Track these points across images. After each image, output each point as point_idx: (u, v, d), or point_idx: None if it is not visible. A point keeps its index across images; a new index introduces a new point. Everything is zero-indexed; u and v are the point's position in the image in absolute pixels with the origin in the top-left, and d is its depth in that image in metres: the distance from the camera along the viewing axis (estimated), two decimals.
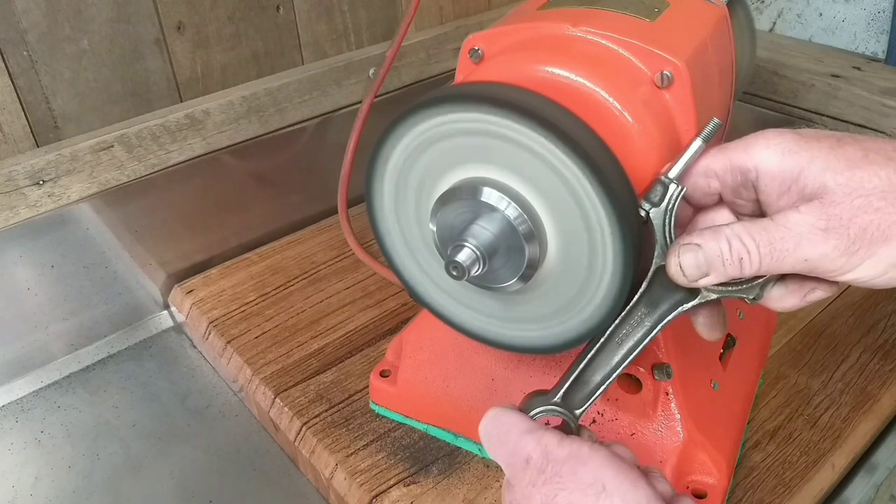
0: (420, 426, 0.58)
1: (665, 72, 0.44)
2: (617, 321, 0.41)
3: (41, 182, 0.65)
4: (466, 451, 0.57)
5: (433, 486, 0.54)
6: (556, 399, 0.41)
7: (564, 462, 0.37)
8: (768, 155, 0.37)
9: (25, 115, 0.65)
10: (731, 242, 0.36)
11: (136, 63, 0.69)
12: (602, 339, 0.41)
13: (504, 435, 0.39)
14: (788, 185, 0.36)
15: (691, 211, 0.42)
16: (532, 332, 0.45)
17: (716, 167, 0.39)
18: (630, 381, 0.50)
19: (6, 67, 0.63)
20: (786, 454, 0.55)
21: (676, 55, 0.44)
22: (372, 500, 0.54)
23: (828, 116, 0.73)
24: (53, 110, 0.66)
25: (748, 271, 0.36)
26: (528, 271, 0.41)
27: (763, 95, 0.77)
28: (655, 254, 0.40)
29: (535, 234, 0.40)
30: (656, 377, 0.48)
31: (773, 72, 0.76)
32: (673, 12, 0.49)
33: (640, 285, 0.40)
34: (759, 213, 0.39)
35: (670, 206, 0.39)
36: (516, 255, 0.40)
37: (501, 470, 0.54)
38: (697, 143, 0.39)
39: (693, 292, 0.40)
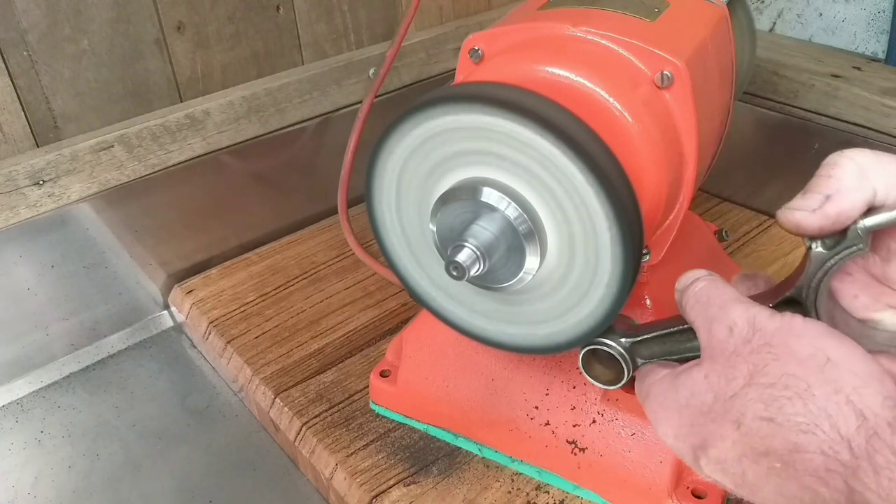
0: (420, 426, 0.58)
1: (665, 72, 0.44)
2: None
3: (41, 182, 0.65)
4: (466, 451, 0.57)
5: (433, 486, 0.54)
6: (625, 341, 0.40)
7: (775, 333, 0.32)
8: None
9: (25, 115, 0.65)
10: None
11: (136, 63, 0.69)
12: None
13: (711, 299, 0.35)
14: None
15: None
16: (532, 332, 0.45)
17: None
18: (630, 381, 0.50)
19: (6, 67, 0.63)
20: None
21: (676, 55, 0.44)
22: (372, 500, 0.54)
23: (828, 116, 0.73)
24: (53, 110, 0.66)
25: None
26: (528, 271, 0.41)
27: (763, 95, 0.77)
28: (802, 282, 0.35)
29: (535, 234, 0.40)
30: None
31: (773, 72, 0.76)
32: (673, 12, 0.49)
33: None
34: None
35: (833, 263, 0.34)
36: (516, 255, 0.40)
37: (501, 470, 0.55)
38: None
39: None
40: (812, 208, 0.34)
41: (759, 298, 0.36)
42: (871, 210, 0.34)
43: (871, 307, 0.36)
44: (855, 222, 0.34)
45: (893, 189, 0.33)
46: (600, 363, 0.43)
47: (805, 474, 0.30)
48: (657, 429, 0.37)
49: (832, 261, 0.34)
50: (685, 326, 0.38)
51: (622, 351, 0.41)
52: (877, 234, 0.35)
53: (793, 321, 0.33)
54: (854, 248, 0.34)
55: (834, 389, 0.30)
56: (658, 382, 0.37)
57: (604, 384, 0.43)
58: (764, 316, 0.33)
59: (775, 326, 0.33)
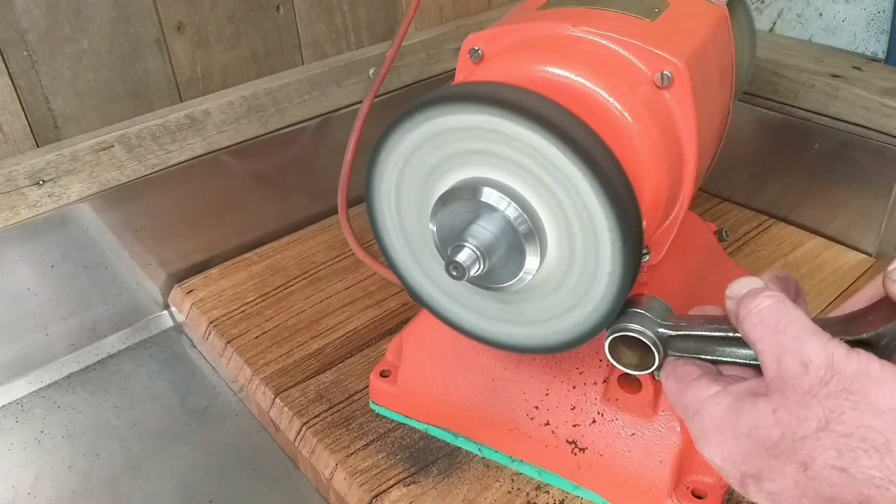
0: (420, 426, 0.58)
1: (665, 72, 0.44)
2: None
3: (41, 182, 0.65)
4: (466, 451, 0.57)
5: (433, 486, 0.54)
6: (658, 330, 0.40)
7: (854, 379, 0.31)
8: None
9: (25, 115, 0.65)
10: None
11: (136, 63, 0.69)
12: None
13: (781, 325, 0.33)
14: None
15: None
16: (532, 332, 0.45)
17: None
18: (630, 381, 0.50)
19: (6, 67, 0.63)
20: None
21: (676, 55, 0.44)
22: (372, 500, 0.54)
23: (828, 116, 0.73)
24: (53, 110, 0.66)
25: None
26: (528, 271, 0.41)
27: (763, 95, 0.77)
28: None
29: (535, 234, 0.40)
30: (656, 377, 0.48)
31: (773, 72, 0.76)
32: (673, 12, 0.49)
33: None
34: None
35: None
36: (516, 255, 0.40)
37: (501, 470, 0.55)
38: None
39: None
40: None
41: (827, 327, 0.34)
42: None
43: None
44: None
45: None
46: (626, 346, 0.42)
47: None
48: (701, 447, 0.36)
49: None
50: (734, 335, 0.38)
51: (656, 340, 0.40)
52: None
53: (871, 366, 0.31)
54: None
55: None
56: (712, 401, 0.35)
57: (624, 366, 0.43)
58: (841, 355, 0.32)
59: (854, 370, 0.31)
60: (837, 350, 0.32)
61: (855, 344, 0.33)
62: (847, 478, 0.31)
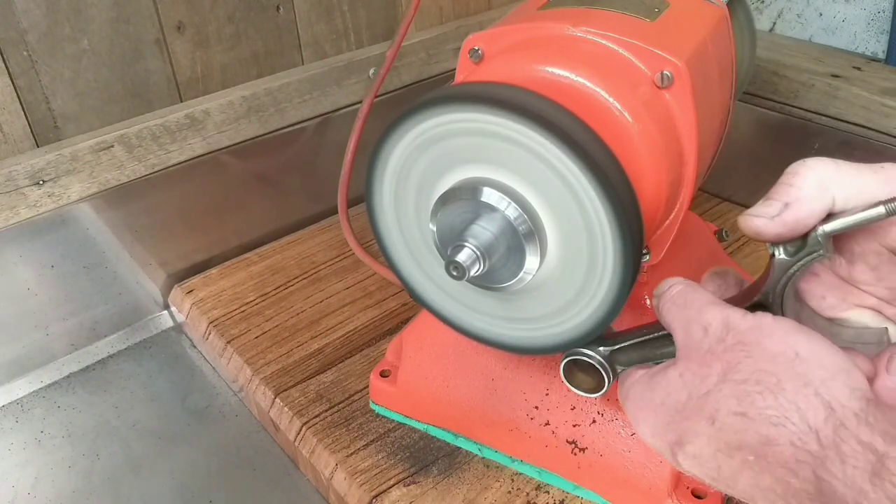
0: (420, 426, 0.58)
1: (665, 72, 0.44)
2: None
3: (41, 182, 0.65)
4: (466, 451, 0.57)
5: (433, 486, 0.54)
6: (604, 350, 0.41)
7: (747, 332, 0.33)
8: None
9: (25, 115, 0.65)
10: None
11: (136, 63, 0.69)
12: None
13: (688, 302, 0.36)
14: None
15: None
16: (532, 332, 0.45)
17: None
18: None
19: (6, 67, 0.63)
20: None
21: (676, 55, 0.44)
22: (372, 500, 0.54)
23: (828, 116, 0.73)
24: (53, 110, 0.66)
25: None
26: (528, 271, 0.41)
27: (763, 95, 0.77)
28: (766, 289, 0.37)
29: (535, 234, 0.40)
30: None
31: (773, 72, 0.76)
32: (673, 12, 0.49)
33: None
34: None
35: (796, 269, 0.35)
36: (516, 255, 0.40)
37: (501, 470, 0.55)
38: (879, 210, 0.33)
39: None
40: (771, 215, 0.35)
41: (730, 302, 0.37)
42: (830, 216, 0.35)
43: (838, 307, 0.37)
44: (815, 229, 0.35)
45: (852, 197, 0.34)
46: (581, 371, 0.43)
47: (777, 466, 0.31)
48: (637, 428, 0.37)
49: (795, 267, 0.35)
50: (662, 332, 0.39)
51: (601, 360, 0.42)
52: (840, 237, 0.36)
53: (763, 319, 0.34)
54: (815, 254, 0.35)
55: (803, 383, 0.31)
56: (635, 384, 0.38)
57: (585, 392, 0.44)
58: (737, 316, 0.34)
59: (747, 325, 0.34)
60: (734, 313, 0.34)
61: (752, 308, 0.35)
62: (747, 421, 0.32)
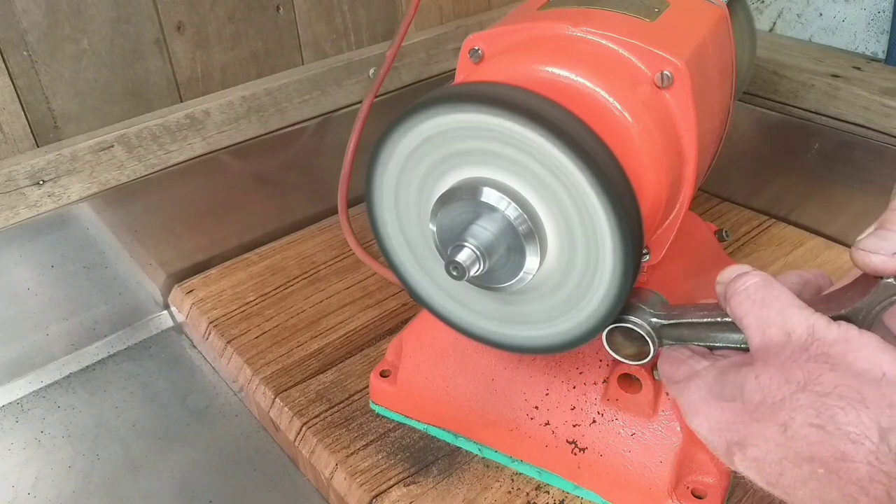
0: (420, 426, 0.58)
1: (665, 72, 0.44)
2: None
3: (41, 182, 0.65)
4: (466, 451, 0.57)
5: (433, 486, 0.54)
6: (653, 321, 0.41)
7: (833, 344, 0.32)
8: None
9: (25, 115, 0.65)
10: None
11: (136, 63, 0.69)
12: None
13: (766, 300, 0.35)
14: None
15: None
16: (532, 332, 0.45)
17: None
18: (630, 381, 0.50)
19: (6, 67, 0.63)
20: None
21: (676, 55, 0.44)
22: (372, 500, 0.54)
23: (828, 116, 0.73)
24: (53, 110, 0.66)
25: None
26: (528, 271, 0.41)
27: (763, 95, 0.77)
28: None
29: (535, 234, 0.40)
30: (656, 377, 0.48)
31: (773, 72, 0.76)
32: (673, 12, 0.49)
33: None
34: None
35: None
36: (516, 255, 0.40)
37: (501, 470, 0.55)
38: None
39: None
40: (891, 252, 0.33)
41: (810, 305, 0.36)
42: None
43: None
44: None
45: None
46: (624, 337, 0.43)
47: (848, 482, 0.31)
48: (690, 419, 0.37)
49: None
50: (724, 319, 0.39)
51: (650, 331, 0.41)
52: None
53: (850, 332, 0.32)
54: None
55: (888, 403, 0.30)
56: (700, 374, 0.37)
57: (623, 357, 0.43)
58: (822, 325, 0.33)
59: (833, 337, 0.32)
60: (819, 321, 0.33)
61: (835, 319, 0.34)
62: (824, 435, 0.31)
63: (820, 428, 0.31)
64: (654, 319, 0.41)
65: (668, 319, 0.41)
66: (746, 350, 0.38)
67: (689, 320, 0.40)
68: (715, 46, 0.49)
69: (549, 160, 0.38)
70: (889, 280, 0.34)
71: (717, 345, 0.40)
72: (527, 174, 0.39)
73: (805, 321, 0.33)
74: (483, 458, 0.56)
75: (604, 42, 0.45)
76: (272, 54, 0.78)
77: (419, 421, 0.58)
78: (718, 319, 0.39)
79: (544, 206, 0.40)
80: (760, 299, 0.35)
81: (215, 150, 0.74)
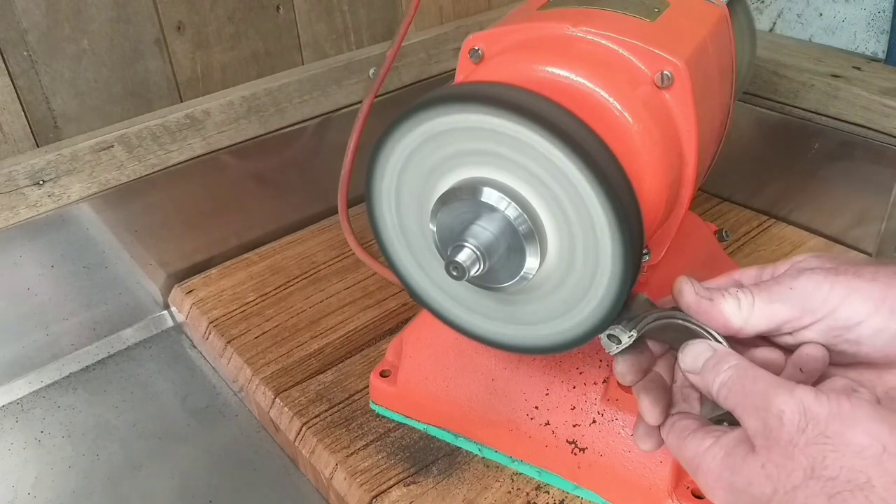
0: (420, 426, 0.58)
1: (665, 72, 0.44)
2: None
3: (41, 182, 0.65)
4: (466, 451, 0.57)
5: (433, 486, 0.54)
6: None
7: (828, 422, 0.33)
8: None
9: (25, 115, 0.65)
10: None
11: (136, 63, 0.69)
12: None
13: (747, 391, 0.35)
14: None
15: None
16: (532, 333, 0.45)
17: None
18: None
19: (6, 67, 0.63)
20: None
21: (676, 55, 0.44)
22: (372, 500, 0.54)
23: (828, 116, 0.73)
24: (53, 110, 0.66)
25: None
26: (528, 272, 0.41)
27: (763, 95, 0.77)
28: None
29: (535, 234, 0.40)
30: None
31: (773, 72, 0.76)
32: (673, 12, 0.49)
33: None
34: None
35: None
36: (516, 255, 0.40)
37: (501, 470, 0.55)
38: None
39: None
40: (708, 297, 0.40)
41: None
42: None
43: None
44: None
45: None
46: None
47: None
48: (710, 497, 0.37)
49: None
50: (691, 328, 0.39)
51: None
52: None
53: (841, 407, 0.33)
54: None
55: (893, 481, 0.31)
56: (709, 457, 0.37)
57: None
58: (810, 400, 0.33)
59: (826, 413, 0.33)
60: (806, 396, 0.34)
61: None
62: None
63: None
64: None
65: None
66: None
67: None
68: (715, 46, 0.49)
69: (549, 160, 0.38)
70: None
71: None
72: (527, 174, 0.39)
73: (792, 400, 0.34)
74: (483, 458, 0.56)
75: (604, 42, 0.45)
76: (272, 54, 0.78)
77: (419, 421, 0.58)
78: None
79: (544, 206, 0.40)
80: (741, 390, 0.36)
81: (215, 150, 0.74)
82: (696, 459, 0.37)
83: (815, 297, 0.38)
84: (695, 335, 0.40)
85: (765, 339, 0.41)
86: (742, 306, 0.39)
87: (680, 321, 0.40)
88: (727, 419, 0.38)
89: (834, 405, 0.33)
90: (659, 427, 0.40)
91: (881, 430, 0.32)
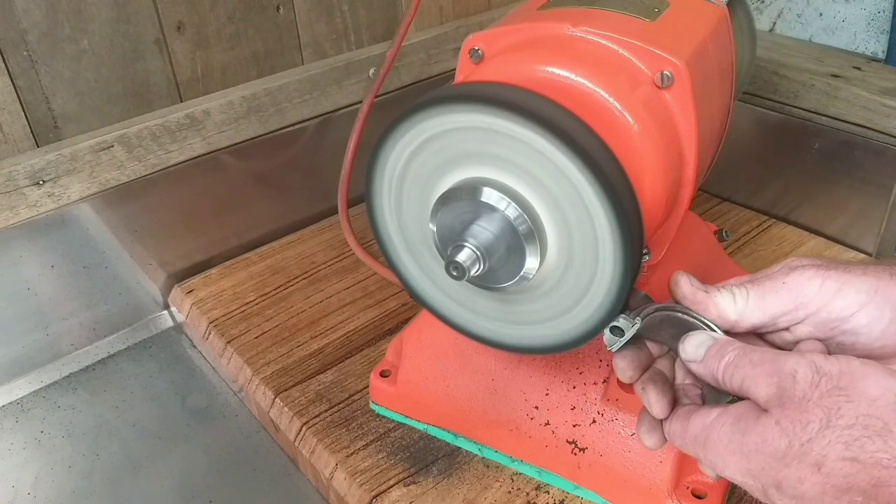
0: (420, 426, 0.58)
1: (665, 72, 0.44)
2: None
3: (41, 182, 0.65)
4: (466, 451, 0.57)
5: (433, 486, 0.54)
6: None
7: (840, 376, 0.34)
8: None
9: (25, 115, 0.65)
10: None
11: (136, 63, 0.69)
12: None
13: (755, 361, 0.36)
14: None
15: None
16: (532, 333, 0.45)
17: None
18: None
19: (6, 67, 0.63)
20: None
21: (676, 55, 0.44)
22: (372, 500, 0.54)
23: (828, 116, 0.73)
24: (53, 110, 0.66)
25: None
26: (528, 271, 0.41)
27: (763, 95, 0.77)
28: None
29: (535, 234, 0.40)
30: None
31: (773, 72, 0.76)
32: (673, 12, 0.49)
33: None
34: None
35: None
36: (516, 255, 0.40)
37: (501, 470, 0.55)
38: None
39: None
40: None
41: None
42: None
43: None
44: None
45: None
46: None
47: None
48: (721, 470, 0.37)
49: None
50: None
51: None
52: None
53: (851, 363, 0.34)
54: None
55: None
56: (717, 425, 0.37)
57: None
58: (821, 360, 0.34)
59: (837, 370, 0.34)
60: (816, 357, 0.34)
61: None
62: (858, 466, 0.32)
63: (853, 460, 0.32)
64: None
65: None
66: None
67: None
68: (715, 46, 0.49)
69: (549, 160, 0.38)
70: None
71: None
72: (527, 174, 0.39)
73: (803, 360, 0.35)
74: (483, 458, 0.56)
75: (604, 42, 0.45)
76: (272, 54, 0.78)
77: (419, 421, 0.58)
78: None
79: (544, 206, 0.40)
80: (748, 362, 0.36)
81: (215, 150, 0.74)
82: (705, 432, 0.37)
83: (808, 291, 0.38)
84: (694, 328, 0.40)
85: (762, 338, 0.41)
86: (737, 299, 0.39)
87: (679, 314, 0.40)
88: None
89: (844, 363, 0.34)
90: (662, 423, 0.41)
91: (891, 381, 0.33)
